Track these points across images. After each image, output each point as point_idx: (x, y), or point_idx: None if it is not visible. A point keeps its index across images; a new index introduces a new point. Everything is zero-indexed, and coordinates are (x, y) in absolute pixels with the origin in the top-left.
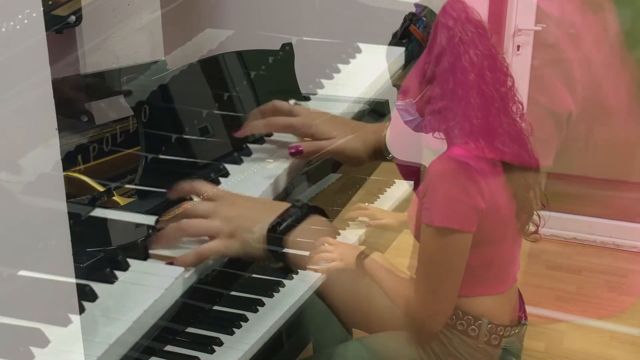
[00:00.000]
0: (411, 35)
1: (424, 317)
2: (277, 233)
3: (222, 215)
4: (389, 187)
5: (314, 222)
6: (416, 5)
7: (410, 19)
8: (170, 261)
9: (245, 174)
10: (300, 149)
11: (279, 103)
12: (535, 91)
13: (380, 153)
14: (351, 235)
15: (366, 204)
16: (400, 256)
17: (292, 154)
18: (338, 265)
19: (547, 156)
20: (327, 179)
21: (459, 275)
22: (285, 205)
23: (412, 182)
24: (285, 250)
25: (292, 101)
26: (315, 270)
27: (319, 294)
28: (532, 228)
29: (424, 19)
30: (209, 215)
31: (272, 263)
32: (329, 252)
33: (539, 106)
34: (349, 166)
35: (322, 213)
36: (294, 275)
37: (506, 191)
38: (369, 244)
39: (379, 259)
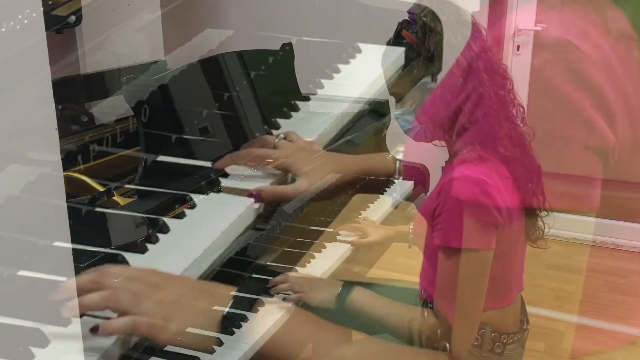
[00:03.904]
0: (404, 40)
1: (454, 343)
2: (233, 325)
3: (153, 298)
4: (389, 187)
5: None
6: (409, 12)
7: (402, 24)
8: (95, 326)
9: (245, 174)
10: (260, 195)
11: (266, 137)
12: (578, 131)
13: (360, 182)
14: (342, 245)
15: (361, 216)
16: (400, 256)
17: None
18: (306, 298)
19: (593, 196)
20: (327, 179)
21: (484, 293)
22: (225, 291)
23: (412, 182)
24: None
25: (281, 135)
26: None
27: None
28: (537, 234)
29: (416, 23)
30: (138, 293)
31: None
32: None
33: (585, 147)
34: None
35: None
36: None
37: (516, 200)
38: (365, 248)
39: (364, 295)
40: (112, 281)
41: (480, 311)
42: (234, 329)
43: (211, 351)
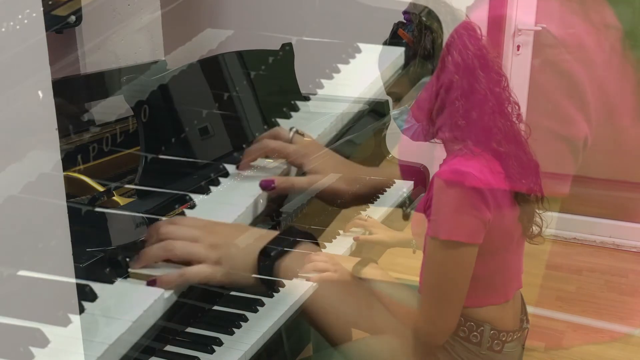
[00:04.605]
0: (401, 40)
1: (430, 330)
2: (268, 260)
3: (207, 242)
4: (389, 188)
5: (304, 249)
6: (404, 12)
7: (398, 25)
8: (152, 280)
9: (246, 173)
10: (273, 185)
11: (280, 130)
12: (550, 119)
13: (365, 197)
14: (342, 244)
15: (365, 214)
16: (400, 256)
17: (263, 189)
18: (332, 277)
19: (563, 184)
20: (327, 179)
21: (465, 287)
22: (272, 232)
23: (412, 182)
24: (276, 277)
25: (294, 129)
26: (307, 279)
27: (304, 309)
28: (535, 230)
29: (411, 23)
30: (194, 240)
31: (259, 290)
32: (322, 262)
33: (555, 134)
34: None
35: (312, 238)
36: None
37: (509, 196)
38: (368, 247)
39: (375, 270)
40: (168, 231)
41: (460, 305)
42: (234, 329)
43: (270, 294)
